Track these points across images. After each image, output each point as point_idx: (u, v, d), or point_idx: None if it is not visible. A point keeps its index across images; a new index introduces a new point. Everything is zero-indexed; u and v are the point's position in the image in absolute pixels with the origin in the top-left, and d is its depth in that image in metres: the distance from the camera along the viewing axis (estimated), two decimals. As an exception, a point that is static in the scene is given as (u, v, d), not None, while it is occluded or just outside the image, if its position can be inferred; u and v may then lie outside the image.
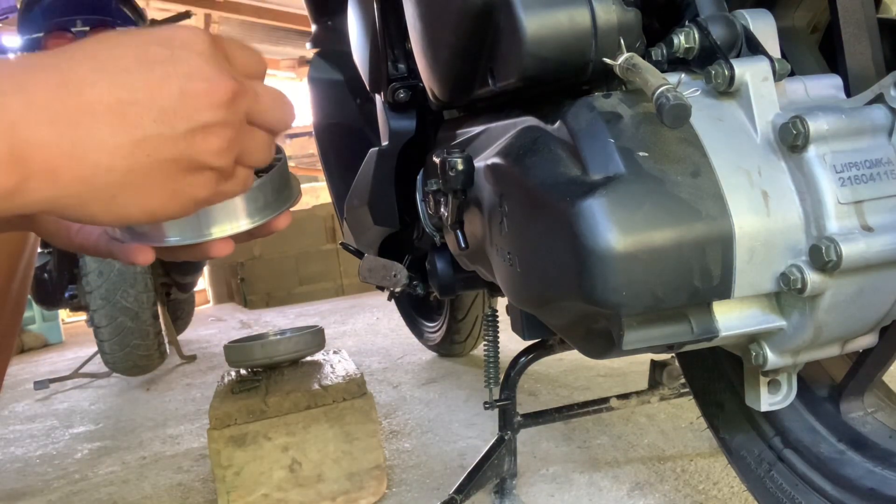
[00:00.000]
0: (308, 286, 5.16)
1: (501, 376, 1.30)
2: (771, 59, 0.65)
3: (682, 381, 1.29)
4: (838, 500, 0.79)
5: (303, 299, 5.07)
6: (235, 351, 1.47)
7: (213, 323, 4.45)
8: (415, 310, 2.47)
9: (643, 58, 0.66)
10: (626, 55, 0.65)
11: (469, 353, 2.35)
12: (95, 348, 2.68)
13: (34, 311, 4.47)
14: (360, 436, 1.34)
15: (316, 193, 8.32)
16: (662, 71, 0.68)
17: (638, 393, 1.31)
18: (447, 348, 2.34)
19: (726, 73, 0.65)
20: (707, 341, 0.67)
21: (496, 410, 1.26)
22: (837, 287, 0.62)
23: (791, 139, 0.62)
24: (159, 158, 0.43)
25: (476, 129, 0.91)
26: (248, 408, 1.31)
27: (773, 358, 0.68)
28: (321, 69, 1.63)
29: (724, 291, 0.63)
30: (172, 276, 2.94)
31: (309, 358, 1.57)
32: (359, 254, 1.48)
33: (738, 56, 0.67)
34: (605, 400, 1.30)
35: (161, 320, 2.76)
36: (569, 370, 2.06)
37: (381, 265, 1.38)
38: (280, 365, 1.50)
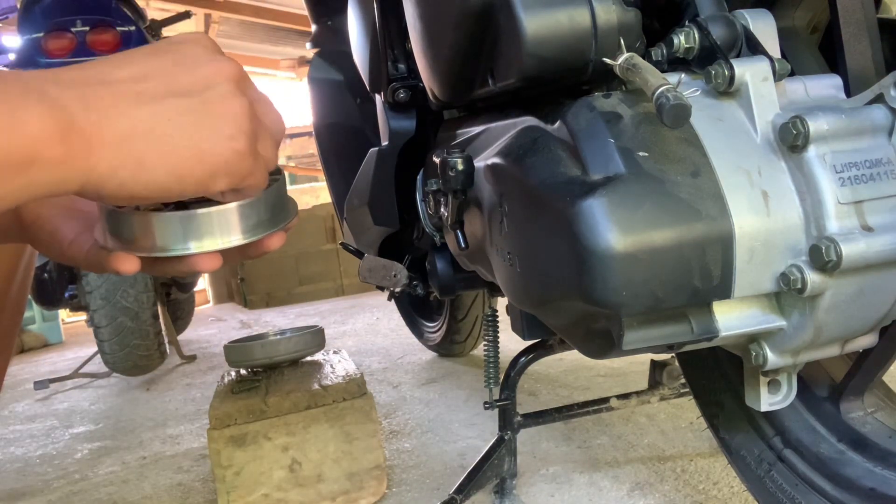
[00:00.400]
0: (308, 286, 5.16)
1: (501, 376, 1.30)
2: (771, 59, 0.65)
3: (682, 381, 1.29)
4: (838, 500, 0.79)
5: (303, 299, 5.07)
6: (235, 351, 1.47)
7: (213, 323, 4.45)
8: (415, 310, 2.47)
9: (643, 58, 0.66)
10: (626, 55, 0.65)
11: (469, 353, 2.35)
12: (95, 348, 2.68)
13: (34, 311, 4.47)
14: (360, 436, 1.34)
15: (316, 193, 8.33)
16: (662, 71, 0.68)
17: (638, 393, 1.31)
18: (447, 348, 2.34)
19: (726, 73, 0.65)
20: (707, 341, 0.67)
21: (496, 410, 1.26)
22: (837, 287, 0.62)
23: (791, 139, 0.62)
24: (180, 117, 0.46)
25: (476, 129, 0.91)
26: (248, 408, 1.31)
27: (773, 358, 0.68)
28: (321, 69, 1.63)
29: (724, 291, 0.63)
30: (172, 277, 2.94)
31: (309, 358, 1.57)
32: (359, 254, 1.48)
33: (738, 56, 0.67)
34: (605, 400, 1.30)
35: (161, 320, 2.76)
36: (569, 370, 2.06)
37: (381, 265, 1.38)
38: (280, 365, 1.50)
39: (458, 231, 0.93)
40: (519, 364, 1.28)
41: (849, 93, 0.68)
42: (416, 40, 0.95)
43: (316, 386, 1.35)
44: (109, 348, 2.56)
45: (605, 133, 0.65)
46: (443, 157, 0.83)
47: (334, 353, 1.62)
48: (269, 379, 1.44)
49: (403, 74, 1.17)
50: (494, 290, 1.33)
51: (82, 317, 4.02)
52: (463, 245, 0.93)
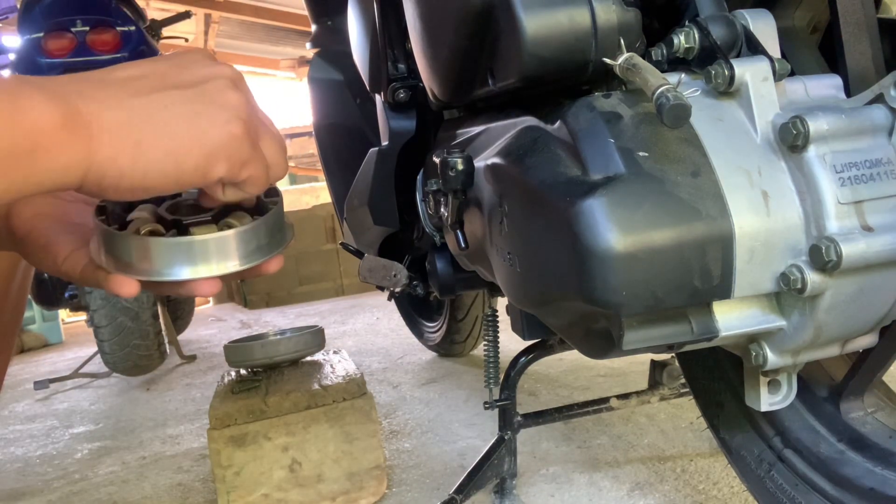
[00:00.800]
0: (308, 286, 5.15)
1: (501, 376, 1.30)
2: (771, 59, 0.65)
3: (682, 381, 1.29)
4: (838, 500, 0.79)
5: (303, 299, 5.07)
6: (235, 351, 1.47)
7: (213, 323, 4.45)
8: (415, 310, 2.47)
9: (643, 58, 0.66)
10: (626, 55, 0.65)
11: (469, 353, 2.35)
12: (95, 348, 2.68)
13: (34, 311, 4.47)
14: (360, 436, 1.34)
15: (316, 193, 8.32)
16: (662, 71, 0.68)
17: (638, 393, 1.31)
18: (447, 348, 2.34)
19: (726, 73, 0.65)
20: (707, 341, 0.67)
21: (496, 410, 1.26)
22: (837, 287, 0.62)
23: (791, 139, 0.62)
24: (178, 105, 0.47)
25: (476, 129, 0.91)
26: (248, 408, 1.31)
27: (773, 358, 0.68)
28: (321, 69, 1.63)
29: (724, 291, 0.63)
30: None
31: (309, 358, 1.57)
32: (359, 254, 1.48)
33: (738, 56, 0.67)
34: (605, 400, 1.30)
35: (161, 320, 2.76)
36: (569, 370, 2.06)
37: (381, 265, 1.38)
38: (280, 365, 1.50)
39: (458, 231, 0.93)
40: (519, 364, 1.28)
41: (849, 93, 0.68)
42: (416, 40, 0.95)
43: (316, 386, 1.35)
44: (109, 348, 2.56)
45: (605, 133, 0.65)
46: (443, 157, 0.83)
47: (334, 353, 1.62)
48: (269, 379, 1.44)
49: (403, 74, 1.17)
50: (494, 290, 1.33)
51: (82, 317, 4.02)
52: (463, 245, 0.93)
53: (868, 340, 0.71)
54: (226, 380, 1.50)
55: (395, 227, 1.30)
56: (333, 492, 1.33)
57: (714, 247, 0.61)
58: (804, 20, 0.79)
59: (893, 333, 0.76)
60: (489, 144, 0.84)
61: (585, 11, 0.68)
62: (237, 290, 5.33)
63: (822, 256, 0.60)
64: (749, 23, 0.68)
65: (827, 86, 0.69)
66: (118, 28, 2.50)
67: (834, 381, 0.86)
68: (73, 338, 4.73)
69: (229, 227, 0.54)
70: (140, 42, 2.56)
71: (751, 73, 0.65)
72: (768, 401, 0.75)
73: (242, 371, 1.52)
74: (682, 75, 0.67)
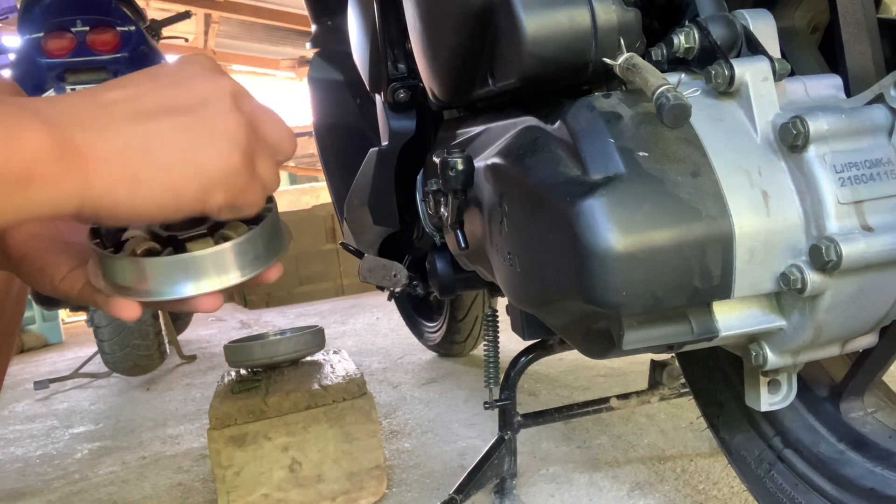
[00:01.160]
0: (308, 286, 5.15)
1: (501, 376, 1.30)
2: (771, 59, 0.65)
3: (682, 381, 1.29)
4: (838, 500, 0.79)
5: (303, 299, 5.07)
6: (235, 351, 1.47)
7: (213, 323, 4.45)
8: (415, 310, 2.47)
9: (643, 58, 0.66)
10: (626, 55, 0.65)
11: (469, 353, 2.35)
12: (95, 348, 2.68)
13: (34, 311, 4.47)
14: (360, 436, 1.34)
15: (316, 193, 8.33)
16: (662, 71, 0.68)
17: (638, 393, 1.31)
18: (447, 348, 2.34)
19: (726, 73, 0.65)
20: (707, 341, 0.67)
21: (496, 410, 1.26)
22: (837, 287, 0.62)
23: (791, 139, 0.62)
24: (175, 133, 0.46)
25: (476, 129, 0.91)
26: (248, 408, 1.31)
27: (773, 358, 0.68)
28: (321, 69, 1.63)
29: (724, 291, 0.63)
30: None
31: (309, 358, 1.57)
32: (359, 254, 1.48)
33: (738, 56, 0.67)
34: (605, 400, 1.30)
35: (161, 320, 2.76)
36: (569, 370, 2.06)
37: (381, 265, 1.38)
38: (280, 365, 1.50)
39: (458, 231, 0.93)
40: (519, 364, 1.28)
41: (849, 93, 0.68)
42: (416, 40, 0.95)
43: (316, 386, 1.35)
44: (109, 348, 2.56)
45: (605, 133, 0.65)
46: (443, 157, 0.83)
47: (334, 353, 1.62)
48: (269, 379, 1.44)
49: (403, 74, 1.17)
50: (494, 290, 1.33)
51: (82, 317, 4.02)
52: (463, 245, 0.93)
53: (868, 340, 0.71)
54: (226, 380, 1.50)
55: (395, 227, 1.30)
56: (333, 492, 1.33)
57: (714, 247, 0.61)
58: (804, 20, 0.79)
59: (893, 333, 0.76)
60: (489, 144, 0.84)
61: (585, 11, 0.68)
62: (237, 290, 5.33)
63: (822, 256, 0.60)
64: (749, 23, 0.68)
65: (827, 86, 0.69)
66: (118, 28, 2.50)
67: (834, 381, 0.86)
68: (73, 338, 4.73)
69: (226, 239, 0.54)
70: (140, 42, 2.56)
71: (751, 73, 0.65)
72: (768, 401, 0.75)
73: (242, 371, 1.52)
74: (682, 75, 0.67)
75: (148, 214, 0.46)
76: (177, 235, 0.54)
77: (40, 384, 2.83)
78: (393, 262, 1.38)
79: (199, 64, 0.50)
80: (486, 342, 1.36)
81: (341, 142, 1.61)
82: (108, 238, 0.56)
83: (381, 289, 1.49)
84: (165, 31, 2.97)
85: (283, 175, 13.44)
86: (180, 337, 3.37)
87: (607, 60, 0.67)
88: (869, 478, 0.77)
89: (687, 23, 0.69)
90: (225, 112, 0.48)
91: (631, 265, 0.60)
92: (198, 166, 0.46)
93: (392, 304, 2.56)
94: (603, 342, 0.69)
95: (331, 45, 1.61)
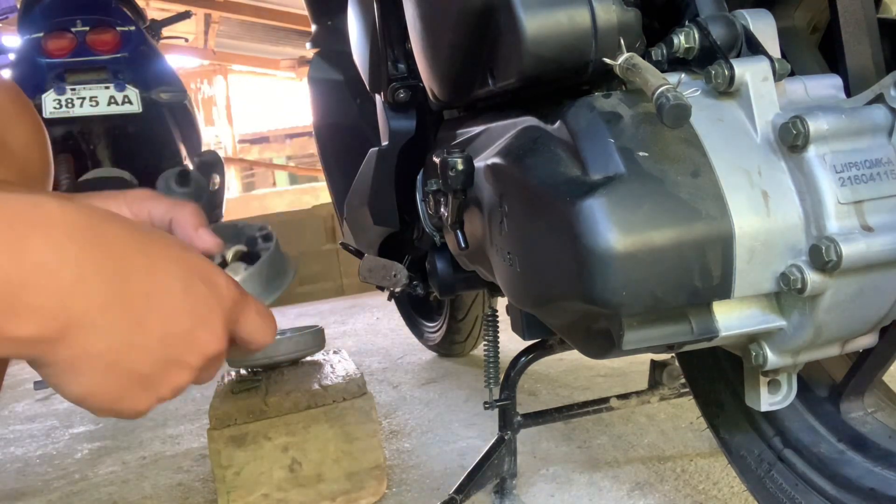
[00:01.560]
0: (308, 286, 5.15)
1: (501, 376, 1.30)
2: (771, 59, 0.65)
3: (682, 381, 1.29)
4: (838, 500, 0.79)
5: (303, 299, 5.07)
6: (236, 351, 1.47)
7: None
8: (415, 310, 2.47)
9: (643, 58, 0.66)
10: (626, 55, 0.65)
11: (469, 353, 2.35)
12: (95, 348, 2.67)
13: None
14: (360, 436, 1.34)
15: (316, 193, 8.33)
16: (662, 71, 0.68)
17: (638, 393, 1.31)
18: (447, 348, 2.34)
19: (726, 73, 0.65)
20: (707, 341, 0.67)
21: (496, 410, 1.26)
22: (837, 287, 0.62)
23: (791, 139, 0.62)
24: (148, 357, 0.45)
25: (476, 129, 0.91)
26: (248, 408, 1.31)
27: (773, 358, 0.68)
28: (321, 69, 1.63)
29: (724, 291, 0.63)
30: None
31: (309, 358, 1.57)
32: (359, 254, 1.48)
33: (738, 56, 0.67)
34: (605, 400, 1.30)
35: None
36: (569, 370, 2.06)
37: (381, 265, 1.38)
38: (280, 365, 1.50)
39: (458, 231, 0.93)
40: (519, 364, 1.28)
41: (849, 93, 0.68)
42: (416, 40, 0.95)
43: (316, 386, 1.35)
44: (109, 348, 2.55)
45: (605, 133, 0.65)
46: (443, 157, 0.83)
47: (334, 353, 1.62)
48: (269, 379, 1.44)
49: (403, 74, 1.17)
50: (494, 290, 1.33)
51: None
52: (463, 245, 0.93)
53: (868, 340, 0.71)
54: (226, 380, 1.50)
55: (395, 227, 1.30)
56: (333, 492, 1.33)
57: (714, 247, 0.61)
58: (804, 20, 0.79)
59: (893, 333, 0.76)
60: (489, 144, 0.84)
61: (585, 11, 0.68)
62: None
63: (822, 256, 0.60)
64: (749, 23, 0.68)
65: (827, 86, 0.69)
66: (118, 28, 2.50)
67: (834, 381, 0.86)
68: (73, 338, 4.72)
69: None
70: (140, 42, 2.56)
71: (751, 73, 0.65)
72: (768, 401, 0.75)
73: (242, 371, 1.52)
74: (682, 75, 0.67)
75: (86, 404, 0.46)
76: None
77: (40, 384, 2.83)
78: (393, 262, 1.38)
79: (190, 278, 0.47)
80: (486, 342, 1.36)
81: (341, 142, 1.61)
82: None
83: (381, 289, 1.49)
84: (165, 31, 2.98)
85: (283, 175, 13.44)
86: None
87: (607, 60, 0.67)
88: (869, 478, 0.77)
89: (687, 23, 0.69)
90: (194, 352, 0.47)
91: (631, 265, 0.60)
92: (155, 383, 0.46)
93: (392, 304, 2.55)
94: (603, 342, 0.69)
95: (331, 45, 1.61)
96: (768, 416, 0.87)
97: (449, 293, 1.25)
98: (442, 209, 0.94)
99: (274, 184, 13.31)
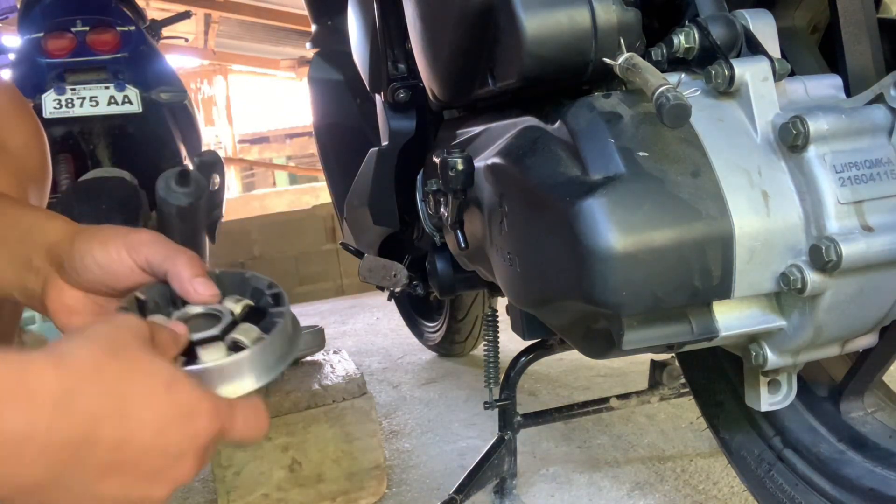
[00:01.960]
0: (308, 286, 5.15)
1: (501, 376, 1.30)
2: (771, 59, 0.65)
3: (682, 381, 1.29)
4: (838, 500, 0.79)
5: (303, 299, 5.07)
6: (235, 351, 1.47)
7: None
8: (415, 310, 2.47)
9: (643, 58, 0.66)
10: (626, 55, 0.65)
11: (469, 353, 2.35)
12: (95, 348, 2.67)
13: (34, 311, 4.46)
14: (360, 436, 1.34)
15: (316, 193, 8.32)
16: (662, 71, 0.68)
17: (638, 393, 1.31)
18: (447, 348, 2.34)
19: (726, 73, 0.65)
20: (707, 341, 0.67)
21: (496, 410, 1.26)
22: (837, 287, 0.62)
23: (791, 139, 0.62)
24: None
25: (476, 129, 0.91)
26: (248, 408, 1.30)
27: (773, 358, 0.68)
28: (321, 69, 1.63)
29: (724, 291, 0.63)
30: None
31: (309, 358, 1.57)
32: (359, 254, 1.48)
33: (738, 56, 0.67)
34: (605, 400, 1.30)
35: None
36: (569, 370, 2.06)
37: (381, 265, 1.38)
38: (280, 365, 1.50)
39: (458, 231, 0.93)
40: (519, 364, 1.28)
41: (849, 93, 0.68)
42: (416, 40, 0.95)
43: (316, 386, 1.35)
44: (109, 348, 2.54)
45: (605, 133, 0.65)
46: (443, 157, 0.83)
47: (334, 353, 1.62)
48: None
49: (403, 74, 1.17)
50: (494, 290, 1.33)
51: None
52: (463, 245, 0.93)
53: (868, 340, 0.71)
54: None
55: (395, 227, 1.30)
56: (333, 492, 1.33)
57: (714, 247, 0.61)
58: (804, 20, 0.79)
59: (893, 333, 0.76)
60: (489, 144, 0.84)
61: (585, 11, 0.68)
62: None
63: (822, 256, 0.60)
64: (749, 23, 0.68)
65: (827, 86, 0.69)
66: (118, 28, 2.50)
67: (834, 381, 0.86)
68: (73, 338, 4.72)
69: (237, 344, 0.54)
70: (140, 42, 2.56)
71: (751, 73, 0.65)
72: (768, 401, 0.75)
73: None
74: (682, 75, 0.67)
75: None
76: (191, 338, 0.55)
77: (40, 384, 2.82)
78: (393, 262, 1.38)
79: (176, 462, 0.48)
80: (486, 342, 1.36)
81: (341, 142, 1.61)
82: None
83: (381, 289, 1.48)
84: (165, 31, 2.97)
85: (283, 175, 13.44)
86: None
87: (607, 60, 0.67)
88: (869, 478, 0.77)
89: (687, 23, 0.69)
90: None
91: (631, 265, 0.60)
92: None
93: (392, 304, 2.55)
94: (603, 342, 0.69)
95: (331, 45, 1.61)
96: (768, 416, 0.87)
97: (449, 293, 1.25)
98: (442, 209, 0.94)
99: (274, 184, 13.32)
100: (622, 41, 0.68)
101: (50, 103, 2.29)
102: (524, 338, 1.08)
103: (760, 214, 0.62)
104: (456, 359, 2.38)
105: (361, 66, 1.27)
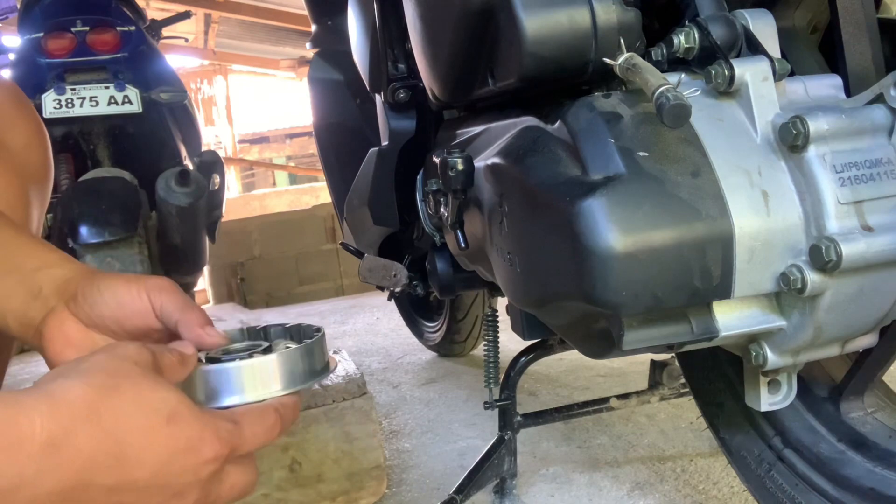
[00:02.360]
0: (308, 286, 5.15)
1: (501, 376, 1.30)
2: (771, 59, 0.65)
3: (682, 381, 1.29)
4: (838, 500, 0.79)
5: (303, 299, 5.07)
6: (235, 351, 1.47)
7: (214, 323, 4.44)
8: (415, 310, 2.47)
9: (643, 58, 0.66)
10: (626, 55, 0.65)
11: (469, 353, 2.35)
12: (95, 348, 2.66)
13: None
14: (360, 436, 1.34)
15: (316, 193, 8.32)
16: (662, 71, 0.68)
17: (638, 393, 1.31)
18: (447, 348, 2.34)
19: (726, 73, 0.65)
20: (707, 341, 0.67)
21: (496, 410, 1.26)
22: (837, 287, 0.62)
23: (791, 139, 0.62)
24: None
25: (476, 129, 0.91)
26: (248, 408, 1.30)
27: (773, 358, 0.68)
28: (321, 69, 1.63)
29: (724, 291, 0.63)
30: (172, 277, 2.93)
31: (309, 358, 1.57)
32: (359, 254, 1.48)
33: (738, 56, 0.67)
34: (605, 400, 1.30)
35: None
36: (569, 370, 2.06)
37: (381, 265, 1.38)
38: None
39: (458, 231, 0.93)
40: (519, 364, 1.28)
41: (849, 93, 0.68)
42: (416, 40, 0.95)
43: (316, 386, 1.35)
44: (109, 348, 2.54)
45: (605, 133, 0.65)
46: (443, 157, 0.83)
47: (334, 353, 1.62)
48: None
49: (403, 74, 1.16)
50: (494, 290, 1.32)
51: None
52: (463, 245, 0.93)
53: (868, 340, 0.71)
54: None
55: (395, 227, 1.29)
56: (333, 492, 1.33)
57: (714, 247, 0.61)
58: (804, 20, 0.79)
59: (893, 333, 0.76)
60: (489, 144, 0.84)
61: (585, 11, 0.68)
62: (237, 290, 5.34)
63: (822, 256, 0.60)
64: (749, 23, 0.68)
65: (827, 86, 0.69)
66: (118, 28, 2.49)
67: (834, 381, 0.86)
68: (73, 338, 4.72)
69: (266, 352, 0.56)
70: (140, 42, 2.55)
71: (751, 73, 0.65)
72: (768, 401, 0.75)
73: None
74: (682, 75, 0.67)
75: None
76: (217, 355, 0.57)
77: (40, 384, 2.82)
78: (393, 262, 1.38)
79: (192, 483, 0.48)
80: (486, 342, 1.36)
81: (341, 142, 1.61)
82: None
83: (381, 289, 1.48)
84: (165, 31, 2.97)
85: (283, 175, 13.44)
86: (180, 337, 3.36)
87: (607, 60, 0.67)
88: (869, 478, 0.77)
89: (687, 23, 0.69)
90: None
91: (631, 265, 0.60)
92: None
93: (392, 304, 2.55)
94: (603, 342, 0.69)
95: (331, 45, 1.61)
96: (768, 416, 0.87)
97: (449, 293, 1.25)
98: (442, 209, 0.94)
99: (274, 184, 13.32)
100: (622, 41, 0.68)
101: (50, 103, 2.29)
102: (524, 338, 1.08)
103: (760, 214, 0.62)
104: (456, 359, 2.38)
105: (361, 66, 1.27)
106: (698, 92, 0.66)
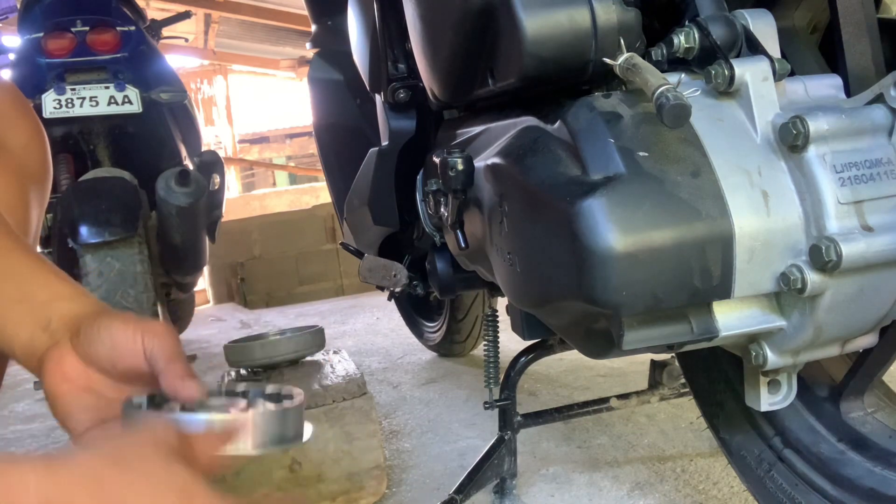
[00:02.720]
0: (308, 286, 5.15)
1: (501, 376, 1.30)
2: (771, 59, 0.65)
3: (682, 381, 1.29)
4: (838, 500, 0.79)
5: (303, 299, 5.07)
6: (235, 351, 1.47)
7: (213, 323, 4.45)
8: (415, 310, 2.47)
9: (643, 58, 0.66)
10: (626, 55, 0.65)
11: (469, 353, 2.35)
12: (95, 348, 2.66)
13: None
14: (360, 436, 1.34)
15: (316, 193, 8.32)
16: (662, 71, 0.68)
17: (638, 393, 1.31)
18: (447, 348, 2.34)
19: (726, 73, 0.65)
20: (707, 341, 0.67)
21: (496, 410, 1.26)
22: (837, 287, 0.62)
23: (791, 139, 0.62)
24: None
25: (476, 129, 0.91)
26: (248, 408, 1.30)
27: (773, 358, 0.68)
28: (321, 69, 1.63)
29: (724, 291, 0.63)
30: (172, 277, 2.93)
31: (309, 358, 1.57)
32: (359, 254, 1.48)
33: (738, 56, 0.67)
34: (605, 400, 1.30)
35: (161, 320, 2.76)
36: (569, 370, 2.06)
37: (381, 265, 1.38)
38: (280, 365, 1.50)
39: (458, 231, 0.93)
40: (519, 364, 1.28)
41: (849, 93, 0.68)
42: (416, 40, 0.95)
43: (316, 386, 1.35)
44: (109, 348, 2.54)
45: (605, 133, 0.65)
46: (443, 157, 0.83)
47: (334, 353, 1.62)
48: (268, 379, 1.43)
49: (403, 74, 1.17)
50: (494, 290, 1.32)
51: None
52: (463, 245, 0.93)
53: (868, 340, 0.71)
54: (226, 380, 1.50)
55: (395, 227, 1.30)
56: (333, 492, 1.33)
57: (714, 247, 0.61)
58: (804, 20, 0.79)
59: (893, 333, 0.76)
60: (489, 144, 0.84)
61: (585, 11, 0.68)
62: (237, 290, 5.34)
63: (822, 256, 0.60)
64: (749, 23, 0.68)
65: (827, 86, 0.69)
66: (118, 28, 2.49)
67: (834, 381, 0.86)
68: (73, 338, 4.71)
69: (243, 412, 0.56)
70: (140, 42, 2.55)
71: (751, 73, 0.65)
72: (768, 401, 0.75)
73: (242, 371, 1.52)
74: (682, 75, 0.67)
75: None
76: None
77: (40, 384, 2.82)
78: (393, 262, 1.38)
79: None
80: (486, 342, 1.36)
81: (341, 142, 1.61)
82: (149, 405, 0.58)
83: (381, 289, 1.48)
84: (165, 31, 2.97)
85: (283, 175, 13.44)
86: (180, 337, 3.37)
87: (607, 60, 0.67)
88: (869, 478, 0.77)
89: (687, 23, 0.69)
90: None
91: (631, 265, 0.60)
92: None
93: (392, 304, 2.55)
94: (603, 342, 0.69)
95: (331, 45, 1.61)
96: (768, 416, 0.87)
97: (449, 293, 1.25)
98: (442, 209, 0.94)
99: (274, 184, 13.32)
100: (622, 41, 0.68)
101: (50, 103, 2.29)
102: (524, 338, 1.08)
103: (760, 214, 0.62)
104: (456, 359, 2.38)
105: (361, 66, 1.27)
106: (698, 92, 0.67)
